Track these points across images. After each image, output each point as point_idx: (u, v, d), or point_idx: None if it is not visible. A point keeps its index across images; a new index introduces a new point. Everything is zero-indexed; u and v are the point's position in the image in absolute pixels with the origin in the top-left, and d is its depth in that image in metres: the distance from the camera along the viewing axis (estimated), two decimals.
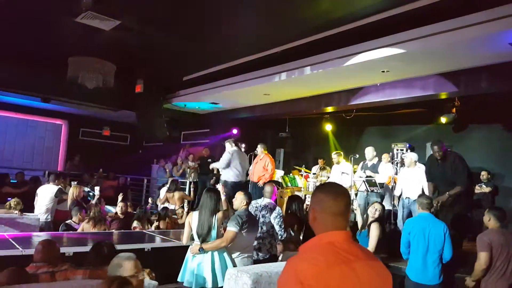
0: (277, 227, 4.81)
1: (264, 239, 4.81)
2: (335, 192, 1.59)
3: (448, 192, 5.71)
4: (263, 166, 8.08)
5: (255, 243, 4.64)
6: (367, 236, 4.76)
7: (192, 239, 4.11)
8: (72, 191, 6.43)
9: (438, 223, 4.34)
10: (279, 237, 4.80)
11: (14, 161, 11.79)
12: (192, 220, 4.09)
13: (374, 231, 4.70)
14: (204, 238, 3.96)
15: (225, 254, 4.03)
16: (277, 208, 4.98)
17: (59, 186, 6.69)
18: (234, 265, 3.97)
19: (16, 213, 5.97)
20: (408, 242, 4.38)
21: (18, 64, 8.58)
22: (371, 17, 5.55)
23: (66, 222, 5.87)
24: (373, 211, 4.90)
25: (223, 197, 4.77)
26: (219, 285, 3.82)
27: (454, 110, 7.96)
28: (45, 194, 6.52)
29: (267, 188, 5.22)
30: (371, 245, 4.65)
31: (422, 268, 4.24)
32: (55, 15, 6.23)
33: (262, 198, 5.15)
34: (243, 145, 6.51)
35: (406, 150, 8.57)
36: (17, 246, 4.09)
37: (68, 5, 5.65)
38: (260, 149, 8.23)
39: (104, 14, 5.86)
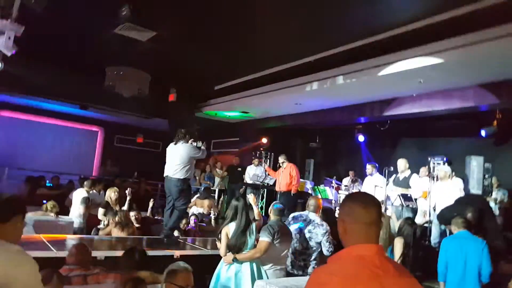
0: (326, 244, 4.51)
1: (311, 255, 4.54)
2: (365, 201, 1.51)
3: None
4: (289, 174, 8.36)
5: (301, 259, 4.50)
6: (392, 253, 4.62)
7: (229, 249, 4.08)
8: (108, 194, 6.56)
9: (476, 240, 4.29)
10: (329, 253, 4.50)
11: (52, 166, 12.23)
12: (229, 231, 4.05)
13: (397, 245, 4.61)
14: (239, 248, 3.92)
15: (261, 266, 3.99)
16: (325, 223, 4.66)
17: (87, 194, 6.71)
18: (267, 277, 3.92)
19: (52, 216, 6.13)
20: (446, 261, 4.27)
21: (59, 72, 8.93)
22: (407, 25, 5.40)
23: (98, 226, 6.01)
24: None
25: (255, 208, 4.72)
26: None
27: (495, 122, 7.62)
28: (78, 199, 6.65)
29: (312, 202, 4.82)
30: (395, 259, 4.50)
31: (462, 286, 4.13)
32: (95, 26, 6.47)
33: (307, 211, 4.76)
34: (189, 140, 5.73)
35: (443, 163, 8.24)
36: (52, 248, 4.21)
37: (107, 17, 5.86)
38: (282, 159, 8.57)
39: (141, 25, 6.03)
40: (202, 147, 5.84)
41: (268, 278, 3.91)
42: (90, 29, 6.67)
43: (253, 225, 4.05)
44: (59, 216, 6.29)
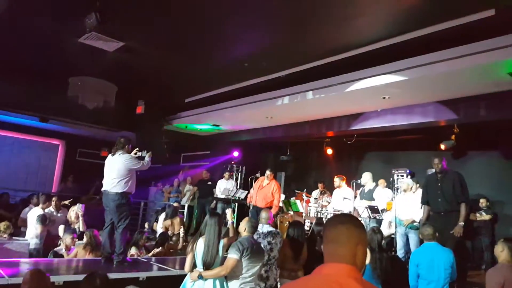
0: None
1: (272, 266, 4.61)
2: (335, 221, 1.58)
3: (459, 222, 5.56)
4: (271, 192, 7.74)
5: (263, 271, 4.47)
6: None
7: (194, 266, 3.97)
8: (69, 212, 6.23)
9: (446, 251, 4.36)
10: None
11: (8, 182, 11.44)
12: (197, 247, 3.94)
13: None
14: (208, 265, 3.82)
15: (225, 283, 3.89)
16: (279, 231, 4.83)
17: (43, 212, 6.24)
18: None
19: (5, 238, 5.67)
20: (417, 274, 4.32)
21: (17, 83, 8.50)
22: (373, 44, 5.57)
23: (55, 249, 5.59)
24: None
25: (229, 223, 4.65)
26: None
27: (453, 137, 7.94)
28: (34, 218, 6.13)
29: (264, 214, 4.99)
30: None
31: None
32: (58, 35, 6.22)
33: (261, 224, 4.88)
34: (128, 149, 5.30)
35: (407, 176, 8.49)
36: (3, 274, 3.82)
37: (72, 25, 5.65)
38: (268, 173, 7.83)
39: (107, 35, 5.86)
40: (147, 158, 5.46)
41: None
42: (53, 37, 6.40)
43: (221, 243, 3.96)
44: (13, 237, 5.86)
